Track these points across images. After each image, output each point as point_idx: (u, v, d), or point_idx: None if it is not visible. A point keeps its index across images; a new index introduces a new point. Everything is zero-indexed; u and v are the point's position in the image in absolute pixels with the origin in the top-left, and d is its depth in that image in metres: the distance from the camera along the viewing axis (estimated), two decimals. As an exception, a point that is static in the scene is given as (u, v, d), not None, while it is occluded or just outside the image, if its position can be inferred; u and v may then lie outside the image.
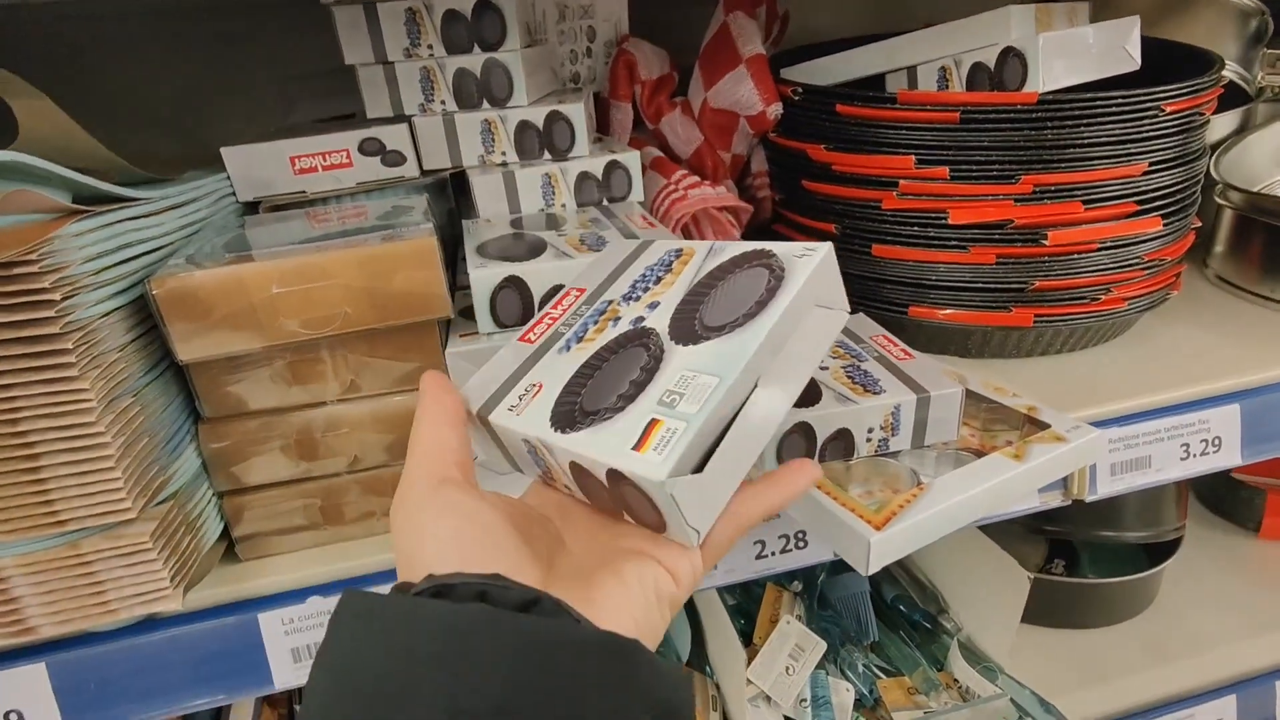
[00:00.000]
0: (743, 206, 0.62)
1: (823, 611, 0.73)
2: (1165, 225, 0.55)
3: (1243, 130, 0.76)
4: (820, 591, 0.75)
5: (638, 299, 0.32)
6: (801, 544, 0.46)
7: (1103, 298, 0.55)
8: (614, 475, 0.26)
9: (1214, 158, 0.72)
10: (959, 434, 0.46)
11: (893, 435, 0.43)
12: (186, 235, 0.42)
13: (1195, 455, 0.53)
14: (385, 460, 0.42)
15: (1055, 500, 0.50)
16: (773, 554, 0.46)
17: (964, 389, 0.43)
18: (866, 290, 0.59)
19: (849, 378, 0.45)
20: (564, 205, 0.54)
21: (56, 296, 0.28)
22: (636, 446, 0.25)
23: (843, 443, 0.43)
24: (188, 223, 0.42)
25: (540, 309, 0.37)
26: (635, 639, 0.22)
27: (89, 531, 0.33)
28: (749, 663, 0.66)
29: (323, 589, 0.40)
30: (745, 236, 0.66)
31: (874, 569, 0.37)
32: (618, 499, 0.27)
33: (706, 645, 0.69)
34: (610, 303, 0.33)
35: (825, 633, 0.70)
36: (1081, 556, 0.86)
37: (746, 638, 0.70)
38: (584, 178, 0.54)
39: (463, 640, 0.21)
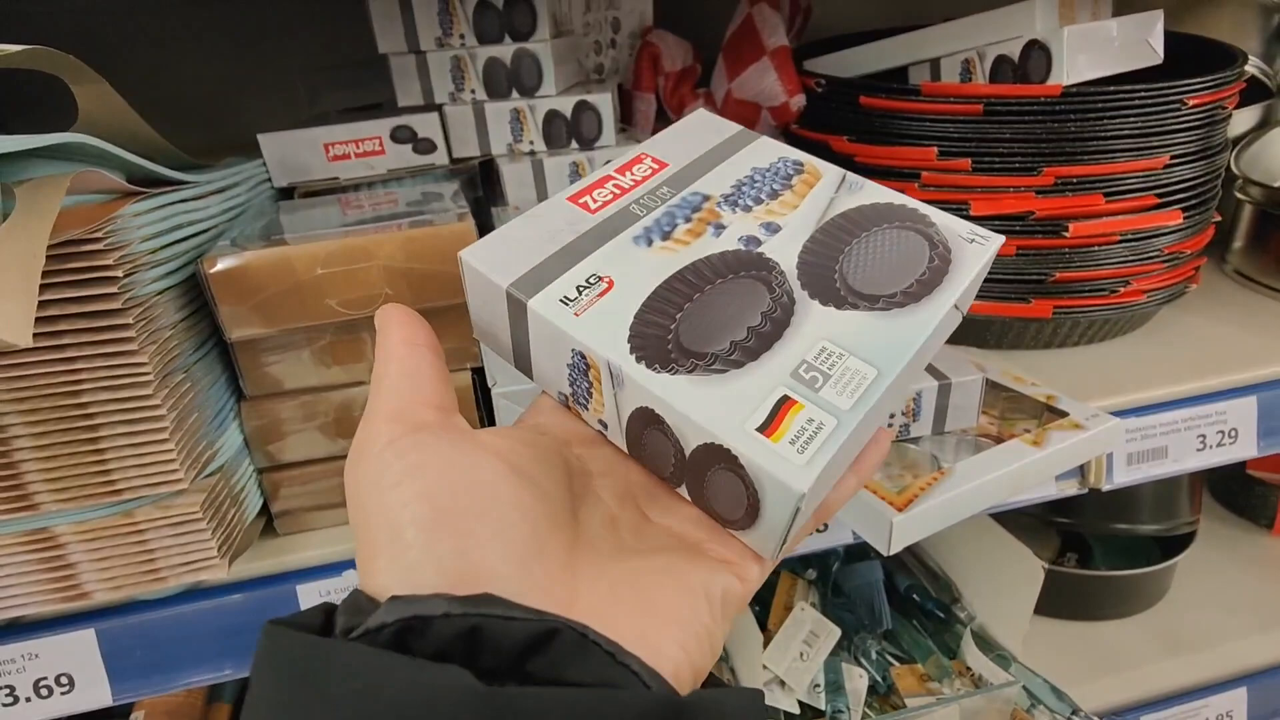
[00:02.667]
0: (764, 197, 0.63)
1: (837, 600, 0.74)
2: (1185, 219, 0.55)
3: (1264, 125, 0.76)
4: (834, 580, 0.76)
5: (748, 209, 0.26)
6: (822, 527, 0.47)
7: (1122, 290, 0.56)
8: (715, 452, 0.20)
9: (1234, 152, 0.72)
10: (978, 421, 0.46)
11: (914, 421, 0.44)
12: (230, 218, 0.43)
13: (1212, 446, 0.53)
14: (419, 439, 0.43)
15: (1072, 489, 0.51)
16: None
17: (984, 377, 0.44)
18: (886, 281, 0.60)
19: (871, 365, 0.46)
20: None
21: (119, 273, 0.30)
22: (765, 430, 0.20)
23: (865, 428, 0.44)
24: (230, 206, 0.44)
25: None
26: (695, 698, 0.17)
27: (143, 501, 0.35)
28: (764, 648, 0.67)
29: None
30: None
31: (896, 549, 0.38)
32: (690, 473, 0.22)
33: (722, 630, 0.70)
34: (707, 199, 0.26)
35: (839, 620, 0.71)
36: (1094, 550, 0.86)
37: (761, 624, 0.71)
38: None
39: None
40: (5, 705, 0.38)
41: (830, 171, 0.28)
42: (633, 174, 0.27)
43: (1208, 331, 0.61)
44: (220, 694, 0.66)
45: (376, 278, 0.37)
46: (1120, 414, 0.52)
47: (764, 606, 0.72)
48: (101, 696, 0.39)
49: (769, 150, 0.29)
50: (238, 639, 0.41)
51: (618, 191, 0.26)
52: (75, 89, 0.32)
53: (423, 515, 0.17)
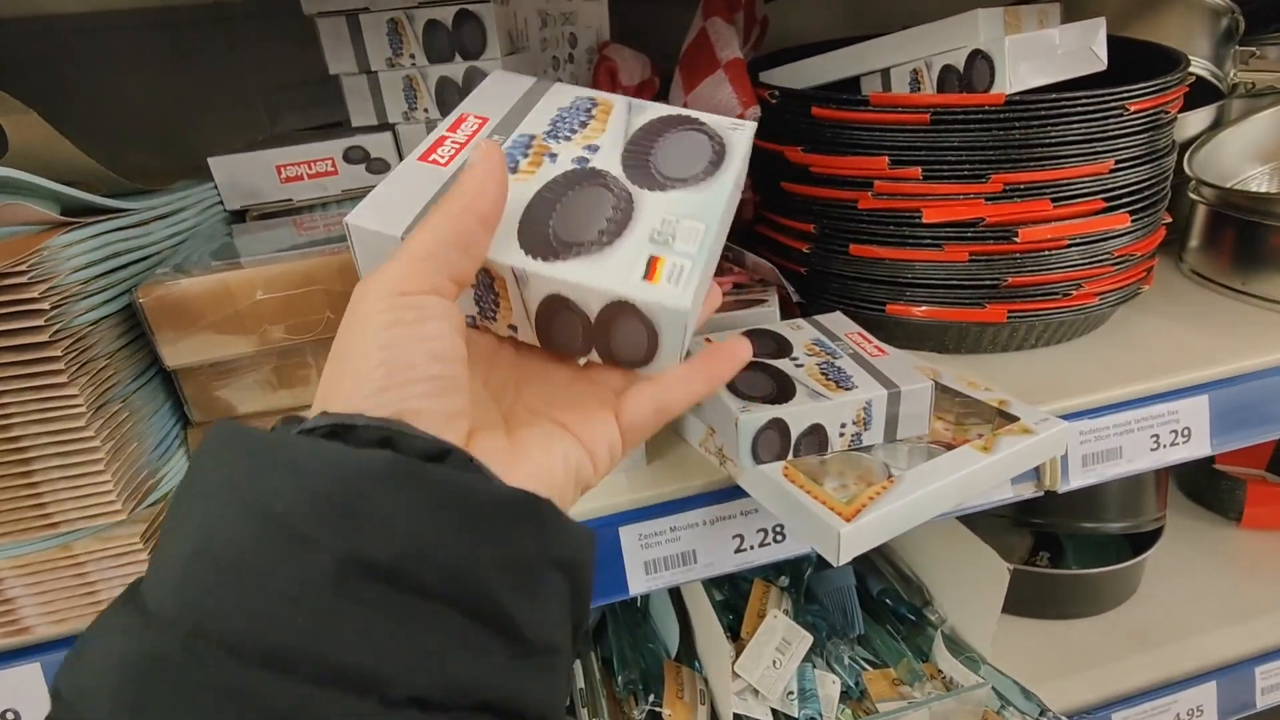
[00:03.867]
0: (723, 208, 0.63)
1: (809, 605, 0.74)
2: (1134, 221, 0.56)
3: (1216, 126, 0.78)
4: (807, 586, 0.76)
5: (568, 139, 0.31)
6: (780, 538, 0.47)
7: (1074, 293, 0.56)
8: (617, 307, 0.27)
9: (1187, 154, 0.74)
10: (931, 428, 0.47)
11: (865, 430, 0.45)
12: (175, 243, 0.43)
13: (1165, 446, 0.54)
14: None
15: (1029, 491, 0.52)
16: (751, 548, 0.47)
17: (934, 384, 0.44)
18: (845, 289, 0.61)
19: (823, 374, 0.46)
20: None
21: (45, 306, 0.29)
22: (646, 278, 0.27)
23: (816, 438, 0.44)
24: (176, 231, 0.44)
25: None
26: (548, 499, 0.22)
27: (81, 533, 0.34)
28: (736, 657, 0.67)
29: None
30: (727, 238, 0.67)
31: (845, 559, 0.38)
32: (597, 335, 0.28)
33: (695, 640, 0.70)
34: (533, 137, 0.31)
35: (812, 626, 0.71)
36: (1066, 548, 0.87)
37: (734, 632, 0.71)
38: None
39: (361, 486, 0.19)
40: (-51, 744, 0.38)
41: (619, 100, 0.34)
42: (464, 129, 0.32)
43: (1164, 331, 0.62)
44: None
45: (318, 301, 0.37)
46: (1074, 416, 0.52)
47: (737, 615, 0.72)
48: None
49: (565, 93, 0.34)
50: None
51: (457, 146, 0.31)
52: (3, 120, 0.32)
53: (390, 366, 0.22)
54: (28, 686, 0.38)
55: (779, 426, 0.43)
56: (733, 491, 0.46)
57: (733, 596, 0.76)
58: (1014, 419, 0.46)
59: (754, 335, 0.52)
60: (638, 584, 0.46)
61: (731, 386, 0.45)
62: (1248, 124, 0.77)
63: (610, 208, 0.29)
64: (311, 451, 0.19)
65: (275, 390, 0.40)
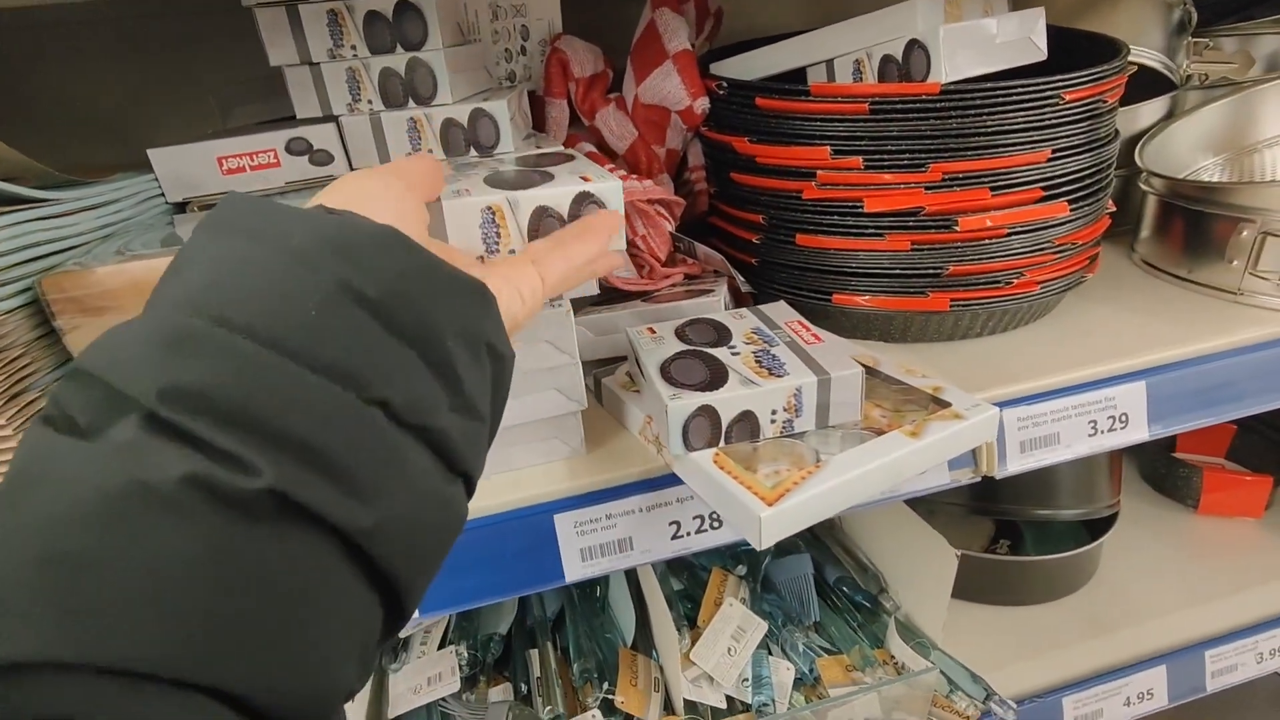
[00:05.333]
0: (673, 200, 0.63)
1: (767, 594, 0.75)
2: (1074, 210, 0.56)
3: (1169, 118, 0.78)
4: (765, 574, 0.77)
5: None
6: (716, 524, 0.48)
7: (1015, 281, 0.57)
8: (583, 197, 0.40)
9: (1139, 146, 0.74)
10: (868, 415, 0.47)
11: (797, 416, 0.45)
12: (105, 234, 0.43)
13: (1103, 431, 0.55)
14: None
15: (966, 477, 0.52)
16: (688, 534, 0.48)
17: (863, 370, 0.45)
18: (793, 279, 0.61)
19: (757, 362, 0.46)
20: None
21: (-50, 294, 0.30)
22: (584, 180, 0.40)
23: (748, 424, 0.44)
24: (106, 223, 0.44)
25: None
26: (494, 293, 0.28)
27: None
28: (692, 645, 0.67)
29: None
30: (682, 229, 0.68)
31: (766, 543, 0.39)
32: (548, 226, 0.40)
33: (651, 628, 0.71)
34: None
35: (768, 614, 0.72)
36: (1026, 536, 0.88)
37: (692, 620, 0.71)
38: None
39: (362, 239, 0.24)
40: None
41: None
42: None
43: (1109, 319, 0.62)
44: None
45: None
46: (1012, 403, 0.53)
47: (695, 603, 0.73)
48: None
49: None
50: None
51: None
52: (-89, 110, 0.32)
53: (360, 201, 0.28)
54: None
55: (709, 413, 0.43)
56: (669, 479, 0.47)
57: (691, 585, 0.76)
58: (947, 405, 0.47)
59: (696, 324, 0.52)
60: (573, 570, 0.46)
61: (665, 374, 0.46)
62: (1200, 115, 0.77)
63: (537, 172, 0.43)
64: (325, 213, 0.25)
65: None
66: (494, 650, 0.71)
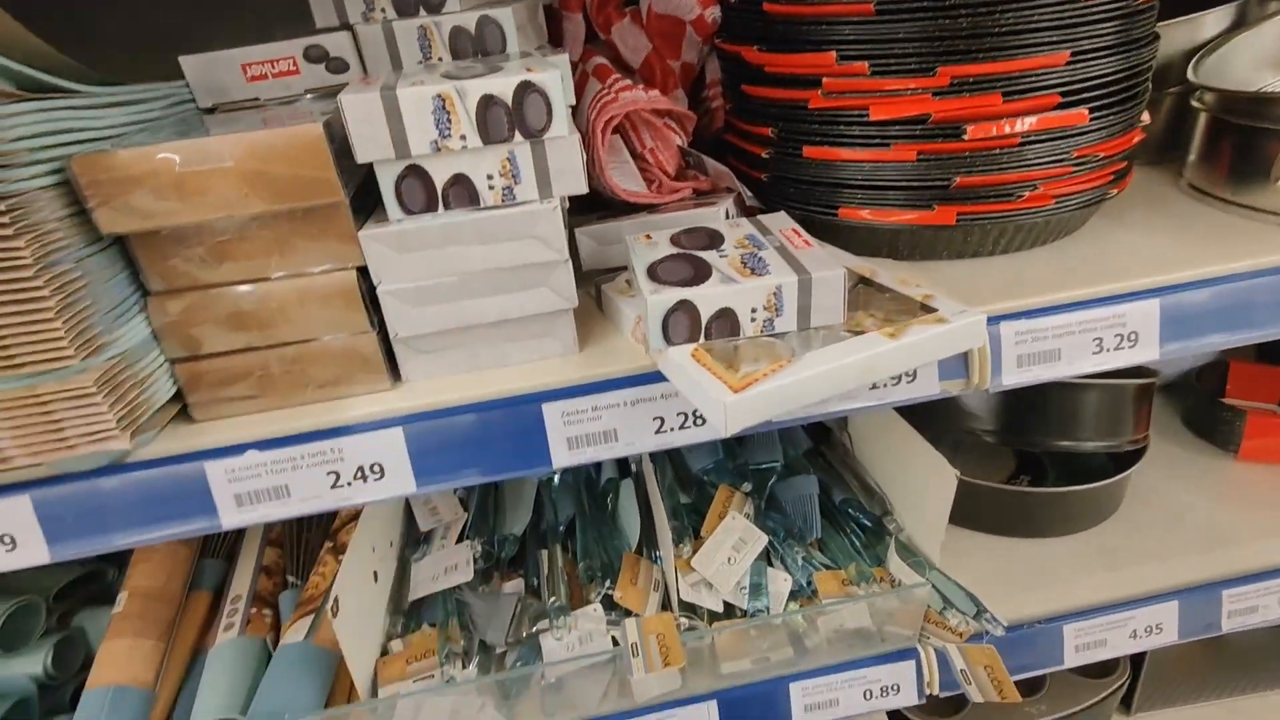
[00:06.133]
0: (683, 113, 0.63)
1: (772, 511, 0.77)
2: (1096, 119, 0.54)
3: (1238, 28, 0.72)
4: (771, 493, 0.78)
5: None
6: (700, 421, 0.50)
7: (1028, 194, 0.55)
8: (526, 86, 0.43)
9: (1194, 60, 0.69)
10: (856, 322, 0.48)
11: (777, 316, 0.46)
12: (140, 129, 0.47)
13: (1109, 350, 0.53)
14: (313, 334, 0.46)
15: (957, 388, 0.52)
16: (671, 430, 0.50)
17: (845, 271, 0.45)
18: (800, 194, 0.61)
19: (743, 264, 0.47)
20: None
21: (-13, 164, 0.33)
22: (529, 71, 0.43)
23: (727, 322, 0.45)
24: (138, 119, 0.47)
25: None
26: None
27: (44, 376, 0.39)
28: (694, 553, 0.70)
29: (259, 445, 0.46)
30: (698, 145, 0.68)
31: (731, 430, 0.40)
32: (514, 117, 0.43)
33: (656, 536, 0.74)
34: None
35: (772, 530, 0.73)
36: (1050, 473, 0.87)
37: (696, 532, 0.74)
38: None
39: None
40: (-42, 559, 0.44)
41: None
42: None
43: (1135, 241, 0.60)
44: (200, 582, 0.74)
45: (235, 178, 0.40)
46: (1011, 317, 0.52)
47: (700, 517, 0.75)
48: (41, 555, 0.45)
49: None
50: (157, 508, 0.46)
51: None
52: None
53: None
54: (19, 516, 0.45)
55: (689, 309, 0.44)
56: (656, 376, 0.48)
57: (699, 500, 0.79)
58: (934, 311, 0.47)
59: (691, 231, 0.53)
60: (560, 458, 0.49)
61: (652, 273, 0.47)
62: (1266, 27, 0.71)
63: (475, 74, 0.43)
64: None
65: (220, 264, 0.44)
66: (508, 549, 0.76)
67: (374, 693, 0.64)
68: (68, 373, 0.39)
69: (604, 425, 0.49)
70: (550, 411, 0.48)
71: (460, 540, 0.75)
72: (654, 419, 0.49)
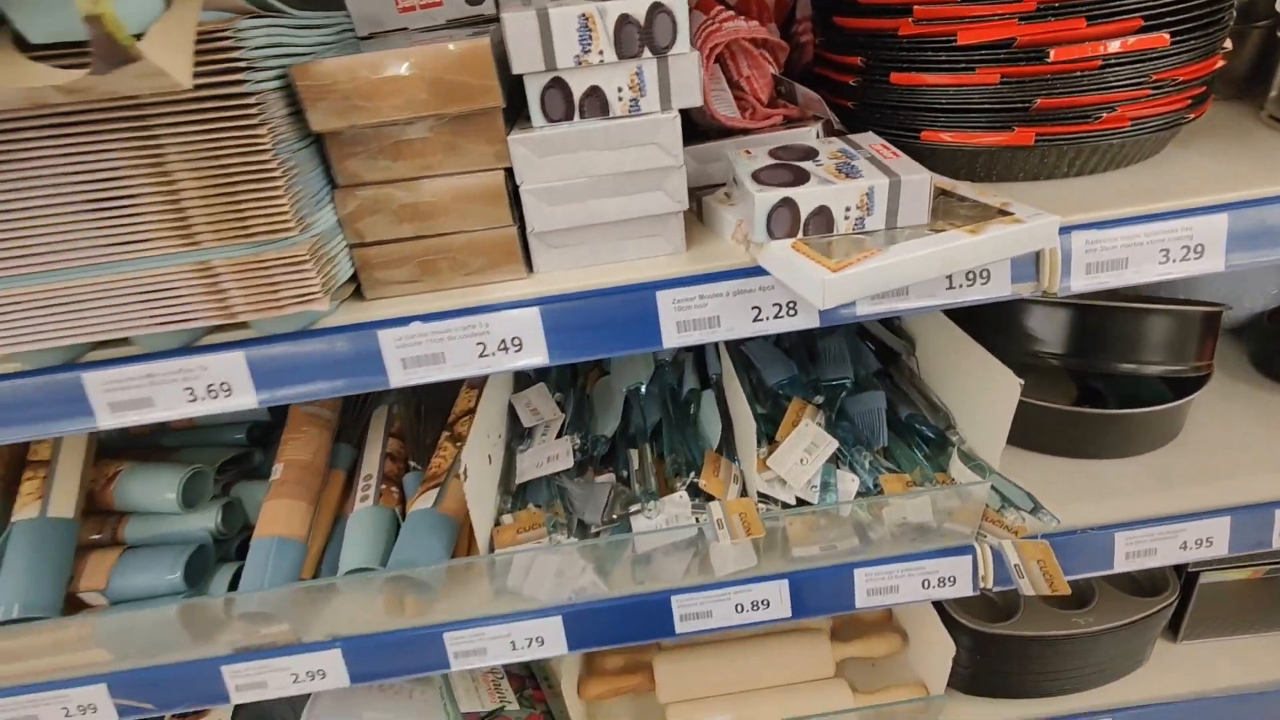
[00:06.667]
0: (776, 42, 0.69)
1: (841, 423, 0.83)
2: (1175, 43, 0.57)
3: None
4: (841, 407, 0.85)
5: None
6: (792, 311, 0.56)
7: (1105, 116, 0.59)
8: (654, 7, 0.50)
9: (1285, -10, 0.71)
10: (936, 226, 0.53)
11: (868, 215, 0.52)
12: (324, 49, 0.56)
13: (1175, 260, 0.58)
14: (468, 227, 0.55)
15: (1027, 291, 0.57)
16: (767, 319, 0.57)
17: (931, 175, 0.51)
18: (885, 119, 0.66)
19: (837, 169, 0.53)
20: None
21: (242, 64, 0.42)
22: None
23: (823, 218, 0.52)
24: (323, 41, 0.56)
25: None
26: None
27: (270, 245, 0.49)
28: (769, 454, 0.78)
29: (422, 318, 0.55)
30: (788, 76, 0.73)
31: (829, 305, 0.47)
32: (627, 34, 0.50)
33: (735, 441, 0.82)
34: None
35: (842, 438, 0.80)
36: (1109, 403, 0.91)
37: (771, 438, 0.81)
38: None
39: None
40: (189, 401, 0.55)
41: None
42: None
43: (1211, 167, 0.63)
44: (336, 462, 0.85)
45: (419, 84, 0.48)
46: (1083, 227, 0.57)
47: (774, 425, 0.82)
48: (250, 400, 0.56)
49: None
50: (338, 366, 0.56)
51: None
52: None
53: None
54: (233, 368, 0.55)
55: (790, 206, 0.51)
56: (755, 271, 0.55)
57: (774, 412, 0.86)
58: (1010, 215, 0.52)
59: (788, 147, 0.59)
60: (670, 339, 0.56)
61: (756, 178, 0.54)
62: (1364, -45, 0.71)
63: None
64: None
65: (395, 161, 0.52)
66: (601, 447, 0.84)
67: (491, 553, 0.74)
68: (288, 243, 0.49)
69: (708, 312, 0.56)
70: (663, 298, 0.56)
71: (559, 437, 0.84)
72: (752, 308, 0.56)
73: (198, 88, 0.42)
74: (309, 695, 0.95)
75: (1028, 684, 0.93)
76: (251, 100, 0.44)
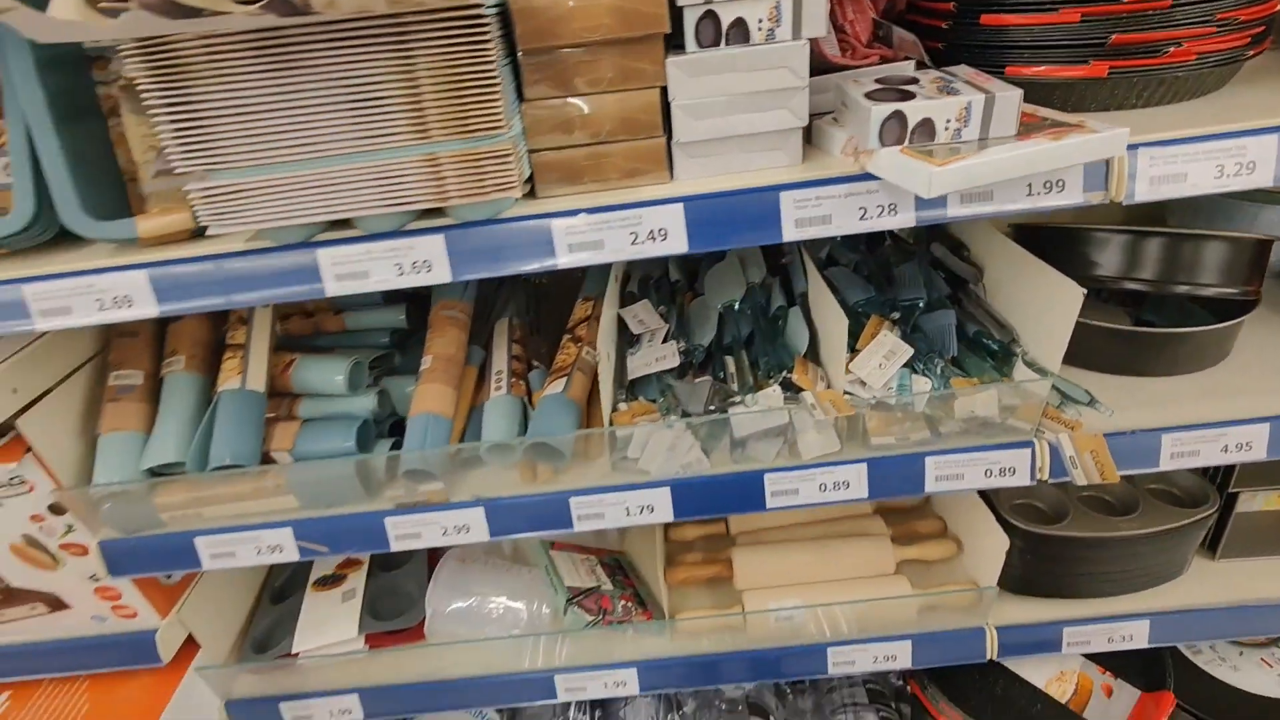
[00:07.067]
0: (880, -12, 0.79)
1: (915, 335, 0.94)
2: (1239, -15, 0.66)
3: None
4: (915, 323, 0.95)
5: None
6: (894, 211, 0.67)
7: (1172, 50, 0.68)
8: None
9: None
10: (1018, 132, 0.63)
11: (964, 127, 0.62)
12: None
13: (1229, 175, 0.67)
14: (627, 137, 0.67)
15: (1097, 198, 0.67)
16: (873, 217, 0.68)
17: (1021, 92, 0.61)
18: (973, 57, 0.76)
19: (939, 89, 0.64)
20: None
21: (479, -12, 0.55)
22: None
23: (926, 129, 0.63)
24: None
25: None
26: None
27: (484, 140, 0.61)
28: (850, 360, 0.89)
29: (587, 210, 0.67)
30: (881, 17, 0.83)
31: (935, 193, 0.58)
32: None
33: (819, 345, 0.93)
34: None
35: (916, 349, 0.91)
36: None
37: (854, 350, 0.92)
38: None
39: None
40: (397, 275, 0.68)
41: None
42: None
43: (1269, 99, 0.71)
44: (469, 360, 0.98)
45: (602, 10, 0.60)
46: (1147, 145, 0.66)
47: (854, 339, 0.93)
48: (445, 275, 0.69)
49: None
50: (519, 249, 0.68)
51: None
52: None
53: None
54: (433, 249, 0.68)
55: (899, 118, 0.62)
56: (863, 177, 0.66)
57: (854, 327, 0.97)
58: (1086, 127, 0.62)
59: (889, 76, 0.70)
60: (789, 233, 0.68)
61: (869, 96, 0.64)
62: None
63: None
64: None
65: (573, 80, 0.64)
66: (698, 355, 0.96)
67: (612, 431, 0.87)
68: (499, 138, 0.61)
69: (822, 211, 0.67)
70: (785, 198, 0.67)
71: (664, 343, 0.96)
72: (859, 208, 0.67)
73: (449, 7, 0.55)
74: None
75: (1073, 584, 1.03)
76: (485, 19, 0.56)
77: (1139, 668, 1.09)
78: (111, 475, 0.84)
